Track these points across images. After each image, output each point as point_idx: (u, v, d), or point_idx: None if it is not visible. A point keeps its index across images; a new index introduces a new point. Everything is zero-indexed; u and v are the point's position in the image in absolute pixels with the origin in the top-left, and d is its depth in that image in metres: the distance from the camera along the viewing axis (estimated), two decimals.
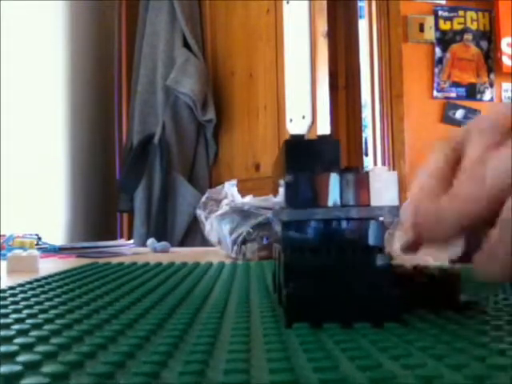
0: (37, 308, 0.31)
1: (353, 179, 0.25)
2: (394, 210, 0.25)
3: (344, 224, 0.25)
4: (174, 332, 0.24)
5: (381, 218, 0.25)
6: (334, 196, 0.25)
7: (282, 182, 0.26)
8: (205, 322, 0.26)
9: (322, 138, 0.26)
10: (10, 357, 0.20)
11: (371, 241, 0.25)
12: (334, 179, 0.25)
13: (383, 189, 0.25)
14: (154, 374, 0.18)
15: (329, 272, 0.24)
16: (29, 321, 0.27)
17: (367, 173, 0.25)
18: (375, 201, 0.25)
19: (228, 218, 0.82)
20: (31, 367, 0.19)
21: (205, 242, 1.22)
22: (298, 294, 0.24)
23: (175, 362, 0.19)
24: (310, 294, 0.24)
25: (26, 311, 0.30)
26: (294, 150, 0.26)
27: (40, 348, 0.21)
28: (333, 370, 0.18)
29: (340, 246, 0.25)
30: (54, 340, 0.23)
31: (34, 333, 0.24)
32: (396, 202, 0.25)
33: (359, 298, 0.24)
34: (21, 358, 0.20)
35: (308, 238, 0.25)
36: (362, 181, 0.25)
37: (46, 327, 0.25)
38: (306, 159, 0.25)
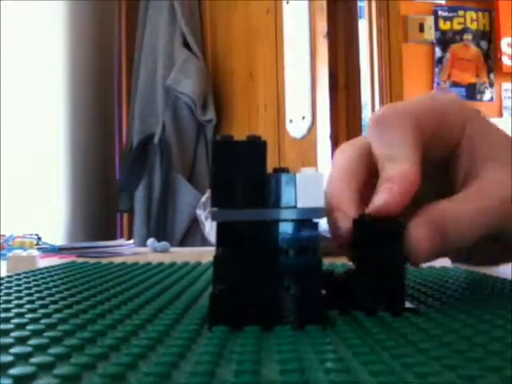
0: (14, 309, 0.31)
1: (280, 181, 0.25)
2: (320, 212, 0.25)
3: (273, 226, 0.25)
4: (150, 334, 0.23)
5: (314, 220, 0.25)
6: (258, 198, 0.25)
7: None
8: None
9: (249, 139, 0.26)
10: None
11: (302, 242, 0.25)
12: (259, 180, 0.25)
13: (310, 190, 0.25)
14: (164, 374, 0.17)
15: (253, 275, 0.24)
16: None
17: (294, 174, 0.25)
18: (302, 202, 0.25)
19: None
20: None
21: (205, 242, 1.22)
22: (221, 296, 0.24)
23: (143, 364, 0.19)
24: (234, 296, 0.24)
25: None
26: (220, 151, 0.25)
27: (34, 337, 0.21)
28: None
29: (267, 248, 0.25)
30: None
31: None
32: (322, 204, 0.25)
33: (282, 300, 0.24)
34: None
35: (237, 240, 0.25)
36: (288, 182, 0.25)
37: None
38: (232, 161, 0.25)
